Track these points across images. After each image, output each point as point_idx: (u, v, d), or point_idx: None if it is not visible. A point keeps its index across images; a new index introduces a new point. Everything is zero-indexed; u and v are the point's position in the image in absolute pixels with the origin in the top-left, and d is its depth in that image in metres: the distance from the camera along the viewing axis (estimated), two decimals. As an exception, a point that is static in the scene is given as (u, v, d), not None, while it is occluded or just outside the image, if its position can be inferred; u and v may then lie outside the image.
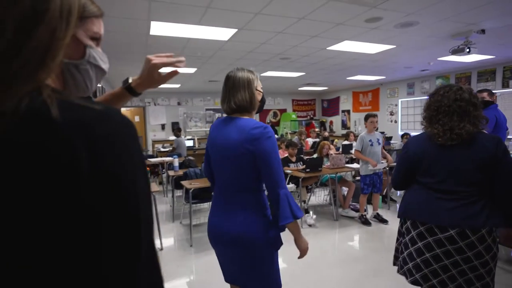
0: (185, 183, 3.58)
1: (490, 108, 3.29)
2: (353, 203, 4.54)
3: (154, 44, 4.36)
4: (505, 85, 7.11)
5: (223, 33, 3.89)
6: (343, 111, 12.74)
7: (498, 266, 1.76)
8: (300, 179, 3.87)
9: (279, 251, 1.38)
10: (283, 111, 13.21)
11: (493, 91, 3.65)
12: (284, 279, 1.47)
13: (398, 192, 5.14)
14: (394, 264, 1.76)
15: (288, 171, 4.04)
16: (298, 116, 13.34)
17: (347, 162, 5.15)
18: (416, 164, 1.56)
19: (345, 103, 12.51)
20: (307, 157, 5.50)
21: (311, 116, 13.49)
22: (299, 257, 1.42)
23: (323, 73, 7.78)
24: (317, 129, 11.31)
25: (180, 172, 4.24)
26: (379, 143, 3.98)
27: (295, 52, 5.18)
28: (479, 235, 1.39)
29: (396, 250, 1.75)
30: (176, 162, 4.59)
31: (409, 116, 9.53)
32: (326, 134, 6.88)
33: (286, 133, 10.34)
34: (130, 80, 0.97)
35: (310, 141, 7.10)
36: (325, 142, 4.77)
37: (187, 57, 5.09)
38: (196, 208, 4.34)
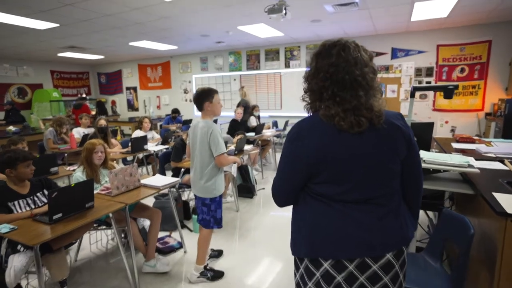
0: None
1: None
2: (162, 238, 2.79)
3: None
4: (287, 65, 7.43)
5: None
6: (128, 88, 10.31)
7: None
8: (34, 248, 1.62)
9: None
10: (37, 86, 9.05)
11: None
12: None
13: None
14: None
15: (3, 230, 1.67)
16: (63, 95, 9.61)
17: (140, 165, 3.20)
18: (316, 166, 0.95)
19: (130, 78, 10.14)
20: (65, 176, 3.08)
21: (83, 94, 10.12)
22: None
23: (90, 31, 5.20)
24: (93, 112, 8.40)
25: None
26: None
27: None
28: (399, 252, 0.97)
29: None
30: None
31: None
32: (103, 122, 4.29)
33: (43, 121, 6.80)
34: None
35: (79, 133, 4.50)
36: (95, 142, 2.50)
37: None
38: None
